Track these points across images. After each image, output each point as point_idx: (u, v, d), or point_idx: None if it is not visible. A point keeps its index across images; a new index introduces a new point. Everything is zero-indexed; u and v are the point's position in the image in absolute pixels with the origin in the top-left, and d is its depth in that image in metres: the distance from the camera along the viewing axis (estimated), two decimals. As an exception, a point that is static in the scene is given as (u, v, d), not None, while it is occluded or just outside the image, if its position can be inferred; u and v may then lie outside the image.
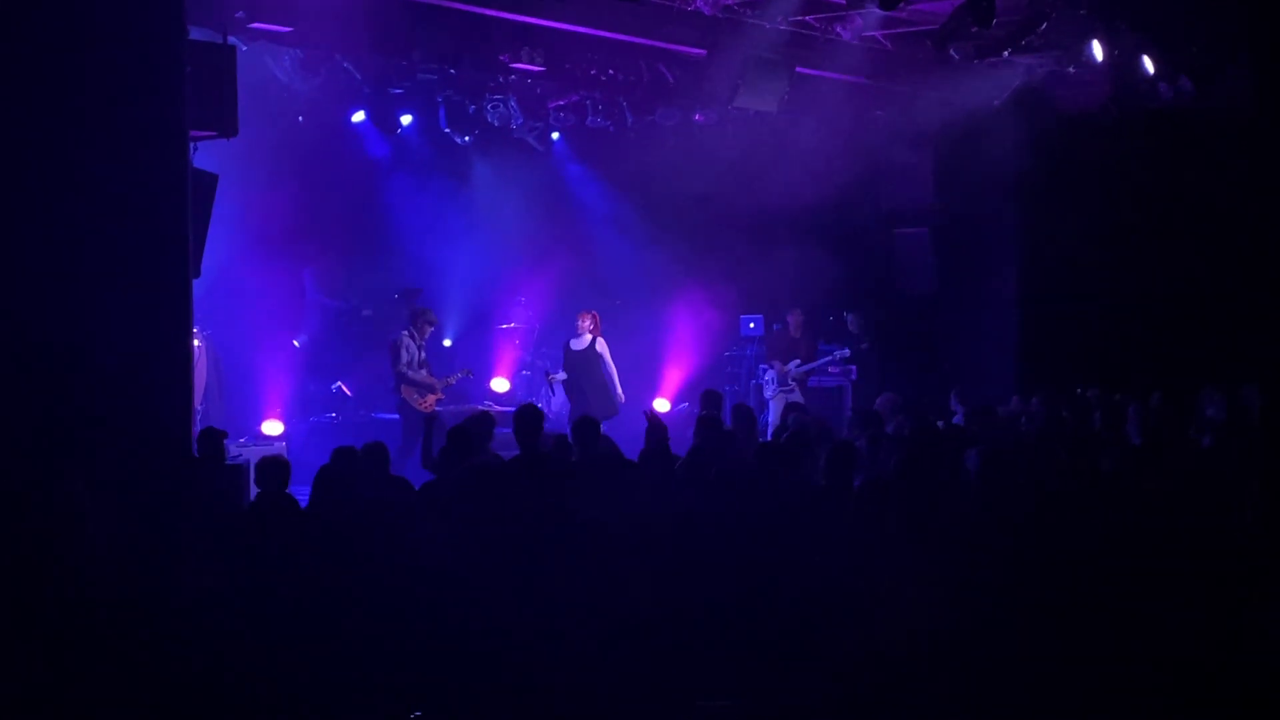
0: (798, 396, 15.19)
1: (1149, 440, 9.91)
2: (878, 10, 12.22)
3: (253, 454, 11.43)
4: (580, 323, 14.51)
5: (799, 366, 15.55)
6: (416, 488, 8.51)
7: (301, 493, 8.33)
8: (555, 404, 16.04)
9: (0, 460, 7.92)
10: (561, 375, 14.53)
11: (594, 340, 14.37)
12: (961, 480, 7.95)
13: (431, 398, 13.39)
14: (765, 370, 16.07)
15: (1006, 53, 13.69)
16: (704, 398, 11.26)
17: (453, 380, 13.91)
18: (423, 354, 13.53)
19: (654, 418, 9.63)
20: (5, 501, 7.32)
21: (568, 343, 14.61)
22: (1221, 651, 6.46)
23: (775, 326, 17.18)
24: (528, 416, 8.92)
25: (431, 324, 13.74)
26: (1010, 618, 6.51)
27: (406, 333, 13.49)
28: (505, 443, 9.78)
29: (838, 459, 7.98)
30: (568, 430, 9.52)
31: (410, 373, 13.32)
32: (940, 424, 10.64)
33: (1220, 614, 6.65)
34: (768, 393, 15.57)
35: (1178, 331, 15.41)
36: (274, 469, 8.06)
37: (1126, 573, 6.89)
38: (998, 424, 10.59)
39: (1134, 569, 6.91)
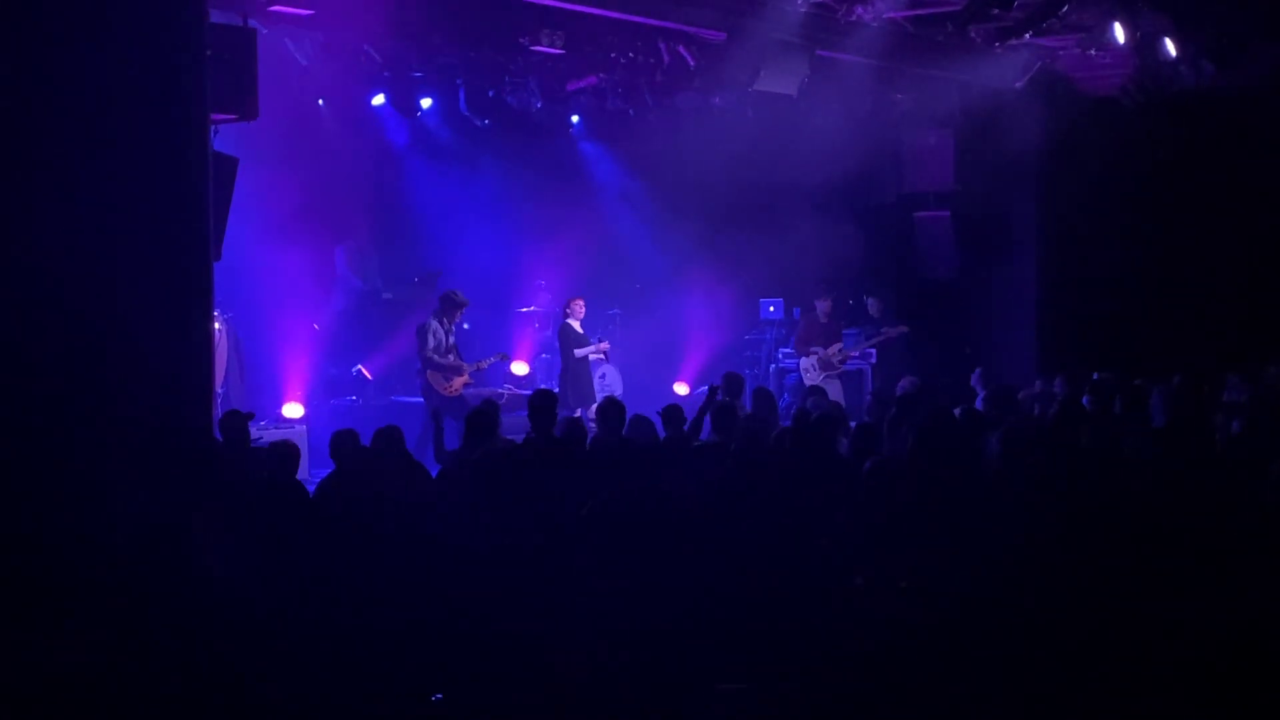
0: (837, 383, 15.20)
1: (1172, 424, 9.88)
2: (898, -8, 12.20)
3: (273, 437, 11.49)
4: (580, 308, 14.65)
5: (841, 351, 15.56)
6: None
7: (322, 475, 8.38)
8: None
9: (21, 443, 7.96)
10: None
11: None
12: (982, 463, 7.93)
13: (459, 381, 13.40)
14: (799, 359, 15.97)
15: (1027, 35, 13.64)
16: (725, 381, 11.29)
17: (485, 364, 13.91)
18: (451, 338, 13.53)
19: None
20: (25, 484, 7.37)
21: (573, 325, 14.66)
22: (1244, 640, 6.42)
23: (796, 311, 17.19)
24: (542, 401, 8.94)
25: (461, 306, 13.69)
26: (1030, 602, 6.49)
27: (434, 317, 13.50)
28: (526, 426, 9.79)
29: (860, 442, 7.97)
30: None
31: (437, 357, 13.33)
32: (959, 410, 10.62)
33: (1246, 601, 6.62)
34: (810, 379, 15.45)
35: (1200, 314, 15.38)
36: (283, 454, 8.13)
37: (1149, 557, 6.86)
38: (1019, 407, 10.57)
39: (1156, 554, 6.89)
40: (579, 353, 14.57)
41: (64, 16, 8.36)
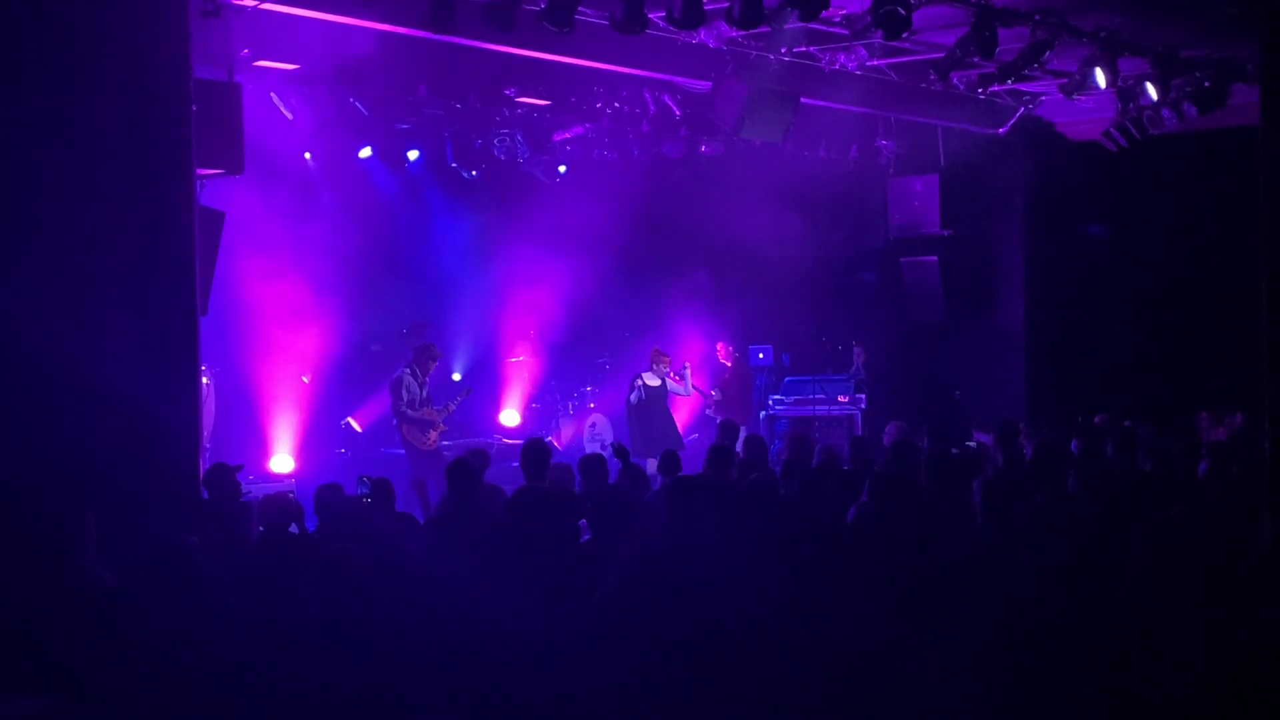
0: None
1: (1159, 467, 9.88)
2: (881, 40, 12.23)
3: (261, 491, 11.45)
4: (660, 362, 14.95)
5: None
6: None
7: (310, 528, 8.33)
8: (565, 437, 16.18)
9: (8, 499, 7.93)
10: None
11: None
12: (967, 509, 7.92)
13: (434, 435, 13.33)
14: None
15: (1010, 81, 13.72)
16: (721, 428, 11.40)
17: (453, 406, 13.80)
18: (425, 391, 13.47)
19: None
20: (14, 539, 7.33)
21: (645, 379, 14.90)
22: (1234, 685, 6.40)
23: (786, 358, 17.32)
24: (534, 451, 8.94)
25: (435, 359, 13.67)
26: (1017, 649, 6.46)
27: (408, 370, 13.43)
28: (515, 476, 9.78)
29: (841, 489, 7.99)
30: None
31: (411, 411, 13.25)
32: (954, 451, 10.63)
33: (1235, 646, 6.59)
34: None
35: (1187, 357, 15.42)
36: (277, 507, 8.09)
37: (1137, 604, 6.84)
38: (1005, 451, 10.57)
39: (1144, 600, 6.86)
40: (632, 399, 14.79)
41: (48, 74, 8.40)
